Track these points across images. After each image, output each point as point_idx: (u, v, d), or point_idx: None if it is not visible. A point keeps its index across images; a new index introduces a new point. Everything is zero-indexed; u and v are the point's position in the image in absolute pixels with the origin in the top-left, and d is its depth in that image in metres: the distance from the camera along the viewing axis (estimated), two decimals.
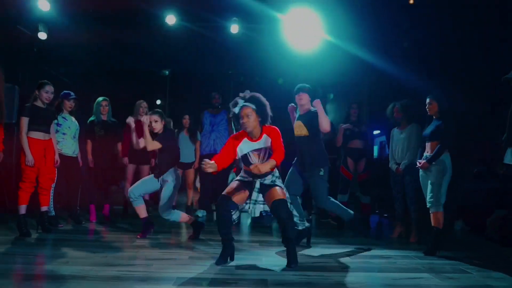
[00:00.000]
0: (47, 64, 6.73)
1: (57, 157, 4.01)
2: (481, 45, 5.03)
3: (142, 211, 3.78)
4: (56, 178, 4.22)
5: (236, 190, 2.92)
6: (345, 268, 2.91)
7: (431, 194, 3.55)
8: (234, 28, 6.13)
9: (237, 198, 2.90)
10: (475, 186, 4.68)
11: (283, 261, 2.92)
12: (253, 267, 2.86)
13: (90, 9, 6.12)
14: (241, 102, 2.89)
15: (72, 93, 4.46)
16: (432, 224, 3.53)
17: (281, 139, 2.90)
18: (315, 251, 3.49)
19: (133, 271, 2.64)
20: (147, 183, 3.81)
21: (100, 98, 4.82)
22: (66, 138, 4.36)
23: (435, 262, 3.18)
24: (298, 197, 3.90)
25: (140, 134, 3.85)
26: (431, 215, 3.55)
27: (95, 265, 2.75)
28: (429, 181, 3.60)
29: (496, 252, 3.68)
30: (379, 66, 5.97)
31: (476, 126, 4.71)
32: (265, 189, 2.92)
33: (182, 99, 7.62)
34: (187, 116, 5.36)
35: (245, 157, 2.97)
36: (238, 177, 3.06)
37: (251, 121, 2.85)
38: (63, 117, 4.38)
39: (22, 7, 5.80)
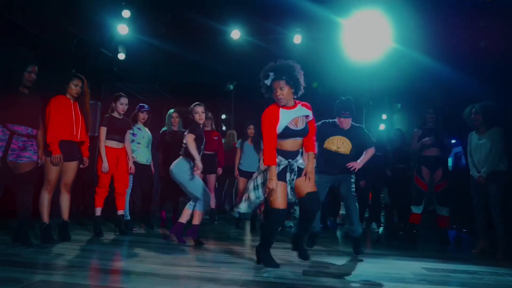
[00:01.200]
0: (124, 82, 7.33)
1: (131, 164, 4.29)
2: None
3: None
4: (131, 185, 4.53)
5: (285, 196, 2.83)
6: (422, 281, 2.68)
7: None
8: (297, 39, 6.18)
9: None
10: None
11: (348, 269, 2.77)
12: (322, 274, 2.75)
13: (163, 30, 6.65)
14: (272, 74, 2.77)
15: (146, 106, 4.79)
16: None
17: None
18: (386, 262, 3.26)
19: (202, 272, 2.68)
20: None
21: (171, 110, 5.12)
22: (140, 147, 4.67)
23: None
24: None
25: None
26: None
27: (166, 264, 2.85)
28: None
29: None
30: (449, 74, 5.58)
31: None
32: (299, 173, 2.86)
33: (246, 112, 7.77)
34: (251, 126, 5.44)
35: (286, 129, 2.82)
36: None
37: (285, 93, 2.76)
38: (138, 128, 4.70)
39: (105, 32, 6.46)
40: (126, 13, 6.26)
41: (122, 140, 4.23)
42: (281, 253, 3.34)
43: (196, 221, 3.72)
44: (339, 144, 3.59)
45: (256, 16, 6.24)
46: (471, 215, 4.12)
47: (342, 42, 5.94)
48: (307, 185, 2.85)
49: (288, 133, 2.83)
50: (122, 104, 4.20)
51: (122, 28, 6.30)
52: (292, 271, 2.79)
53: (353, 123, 3.63)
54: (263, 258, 2.89)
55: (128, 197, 4.56)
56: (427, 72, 6.02)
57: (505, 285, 2.65)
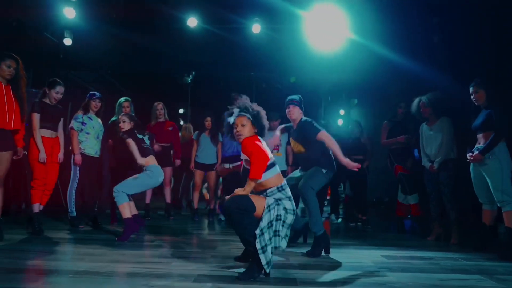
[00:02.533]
0: (72, 69, 6.81)
1: (61, 154, 3.93)
2: None
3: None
4: (78, 179, 4.16)
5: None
6: (383, 269, 2.63)
7: (497, 192, 3.15)
8: (256, 28, 6.02)
9: None
10: None
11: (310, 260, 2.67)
12: (282, 266, 2.62)
13: (114, 14, 6.20)
14: (236, 112, 2.62)
15: (97, 93, 4.41)
16: (505, 224, 3.14)
17: (257, 153, 2.42)
18: (346, 251, 3.21)
19: (151, 268, 2.45)
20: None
21: (122, 99, 4.78)
22: (89, 138, 4.29)
23: (484, 264, 2.85)
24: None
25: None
26: (504, 214, 3.15)
27: (111, 262, 2.59)
28: (488, 179, 3.22)
29: None
30: (406, 66, 5.69)
31: None
32: None
33: (203, 103, 7.52)
34: (209, 118, 5.21)
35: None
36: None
37: (246, 130, 2.54)
38: (89, 117, 4.31)
39: (49, 15, 5.92)
40: None
41: (55, 129, 3.86)
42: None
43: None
44: (297, 147, 3.40)
45: (214, 4, 6.01)
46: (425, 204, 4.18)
47: (302, 33, 5.87)
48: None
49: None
50: (58, 93, 3.84)
51: (69, 11, 5.79)
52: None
53: (304, 118, 3.38)
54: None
55: (74, 191, 4.19)
56: (384, 64, 6.11)
57: (460, 269, 2.67)
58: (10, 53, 3.38)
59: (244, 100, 2.69)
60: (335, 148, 3.15)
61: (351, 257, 2.99)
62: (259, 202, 2.39)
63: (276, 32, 6.09)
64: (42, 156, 3.62)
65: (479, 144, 3.33)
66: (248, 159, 2.47)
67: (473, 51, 5.08)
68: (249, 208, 2.32)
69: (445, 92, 4.12)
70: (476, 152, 3.26)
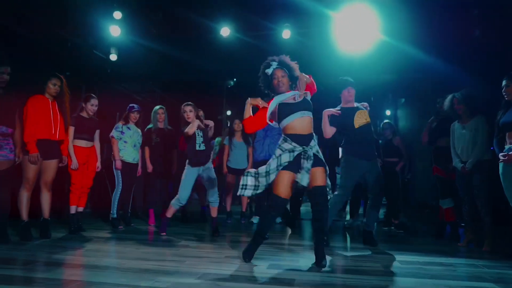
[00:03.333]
0: (118, 82, 7.41)
1: (98, 163, 4.31)
2: None
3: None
4: (121, 184, 4.57)
5: (290, 187, 2.75)
6: (389, 273, 2.60)
7: None
8: (286, 34, 6.13)
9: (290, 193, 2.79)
10: None
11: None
12: (286, 268, 2.70)
13: (154, 30, 6.70)
14: (274, 64, 2.87)
15: (135, 106, 4.80)
16: None
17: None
18: (361, 255, 3.19)
19: (165, 266, 2.66)
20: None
21: (157, 107, 5.11)
22: (127, 146, 4.68)
23: (505, 272, 2.68)
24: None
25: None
26: None
27: (134, 259, 2.84)
28: None
29: None
30: (440, 66, 5.45)
31: None
32: (313, 161, 2.74)
33: (239, 108, 7.75)
34: (237, 121, 5.36)
35: (283, 105, 2.83)
36: (281, 154, 2.75)
37: (285, 81, 2.85)
38: (128, 127, 4.71)
39: (97, 34, 6.53)
40: (117, 15, 6.31)
41: (91, 139, 4.26)
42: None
43: (167, 213, 4.06)
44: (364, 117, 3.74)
45: (245, 13, 6.21)
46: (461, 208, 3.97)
47: (332, 35, 5.86)
48: (317, 178, 2.76)
49: (287, 109, 2.80)
50: (93, 105, 4.24)
51: (114, 29, 6.36)
52: (256, 264, 2.75)
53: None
54: (245, 250, 2.88)
55: (118, 195, 4.59)
56: (417, 64, 5.91)
57: (476, 277, 2.55)
58: (55, 72, 3.83)
59: (283, 57, 2.89)
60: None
61: (362, 261, 2.98)
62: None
63: (305, 36, 6.14)
64: (74, 163, 4.03)
65: (510, 144, 3.12)
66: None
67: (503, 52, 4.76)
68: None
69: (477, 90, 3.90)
70: (510, 153, 3.06)
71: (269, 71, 2.87)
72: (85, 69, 6.64)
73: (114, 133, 4.62)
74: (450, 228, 4.26)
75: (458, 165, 3.73)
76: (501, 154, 3.12)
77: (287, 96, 2.85)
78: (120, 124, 4.71)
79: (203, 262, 2.81)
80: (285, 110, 2.80)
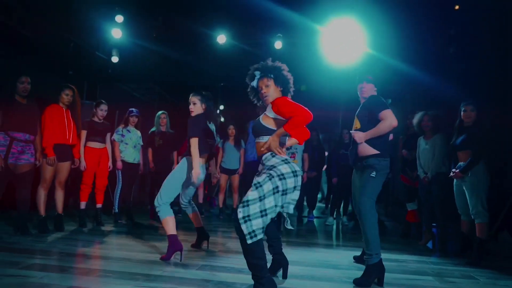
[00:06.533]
0: (118, 82, 7.85)
1: (110, 163, 4.84)
2: None
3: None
4: (121, 182, 5.07)
5: None
6: (351, 267, 3.18)
7: (473, 206, 3.57)
8: (278, 44, 6.63)
9: None
10: None
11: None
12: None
13: (154, 33, 7.13)
14: (257, 74, 2.61)
15: (134, 110, 5.28)
16: (477, 235, 3.55)
17: (297, 108, 2.38)
18: (317, 251, 3.77)
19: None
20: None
21: (160, 112, 5.62)
22: (127, 147, 5.17)
23: (448, 268, 3.29)
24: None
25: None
26: (476, 226, 3.56)
27: (140, 251, 3.39)
28: (467, 193, 3.64)
29: None
30: (421, 79, 5.96)
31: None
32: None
33: (233, 113, 8.26)
34: (231, 126, 5.93)
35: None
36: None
37: (270, 91, 2.54)
38: (127, 130, 5.20)
39: (100, 37, 6.95)
40: (119, 18, 6.72)
41: (103, 141, 4.79)
42: None
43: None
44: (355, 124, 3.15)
45: (241, 22, 6.69)
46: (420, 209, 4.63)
47: (320, 47, 6.36)
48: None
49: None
50: (102, 110, 4.74)
51: (116, 32, 6.77)
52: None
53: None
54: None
55: (119, 192, 5.09)
56: (400, 76, 6.44)
57: (420, 271, 3.14)
58: (68, 84, 4.30)
59: (266, 63, 2.61)
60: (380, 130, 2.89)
61: (330, 257, 3.56)
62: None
63: (295, 47, 6.64)
64: (83, 165, 4.54)
65: (461, 162, 3.72)
66: (262, 139, 2.49)
67: (479, 66, 5.32)
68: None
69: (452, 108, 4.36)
70: (457, 170, 3.67)
71: (254, 83, 2.64)
72: (87, 69, 7.05)
73: (115, 136, 5.10)
74: (415, 229, 4.89)
75: (421, 174, 4.33)
76: (452, 170, 3.73)
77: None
78: (120, 127, 5.19)
79: (201, 255, 3.37)
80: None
